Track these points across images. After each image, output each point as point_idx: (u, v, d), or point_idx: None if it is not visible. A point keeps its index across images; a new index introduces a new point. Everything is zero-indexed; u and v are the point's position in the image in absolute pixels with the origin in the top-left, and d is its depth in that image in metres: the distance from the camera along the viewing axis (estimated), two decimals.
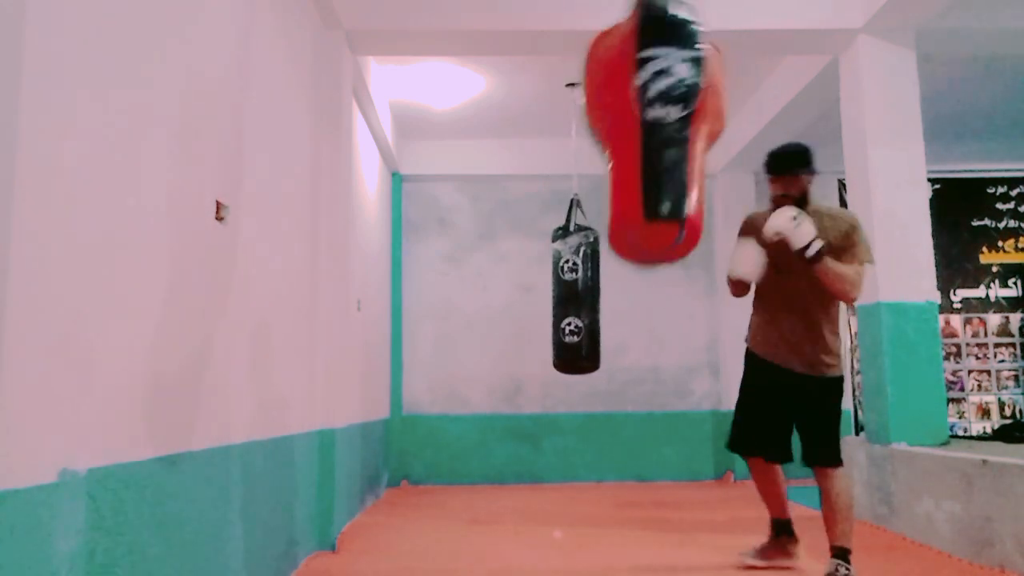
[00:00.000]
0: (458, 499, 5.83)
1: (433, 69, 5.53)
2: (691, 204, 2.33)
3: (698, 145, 2.39)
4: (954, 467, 3.53)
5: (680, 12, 2.40)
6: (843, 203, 6.90)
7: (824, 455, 3.05)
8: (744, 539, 4.03)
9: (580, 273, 5.25)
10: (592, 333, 5.24)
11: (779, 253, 2.98)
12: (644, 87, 2.27)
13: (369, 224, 5.73)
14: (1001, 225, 6.95)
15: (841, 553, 3.00)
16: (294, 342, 3.53)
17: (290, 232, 3.53)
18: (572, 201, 5.46)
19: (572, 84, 5.68)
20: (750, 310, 3.23)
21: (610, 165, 2.42)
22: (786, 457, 3.21)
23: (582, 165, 5.91)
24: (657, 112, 2.27)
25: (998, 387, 6.73)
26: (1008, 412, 6.68)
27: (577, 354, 5.25)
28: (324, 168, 4.13)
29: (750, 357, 3.26)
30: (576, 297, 5.24)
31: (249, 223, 2.83)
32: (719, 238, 7.12)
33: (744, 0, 4.46)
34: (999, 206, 6.97)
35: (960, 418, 6.66)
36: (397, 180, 7.02)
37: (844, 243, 3.00)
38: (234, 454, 2.58)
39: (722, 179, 7.14)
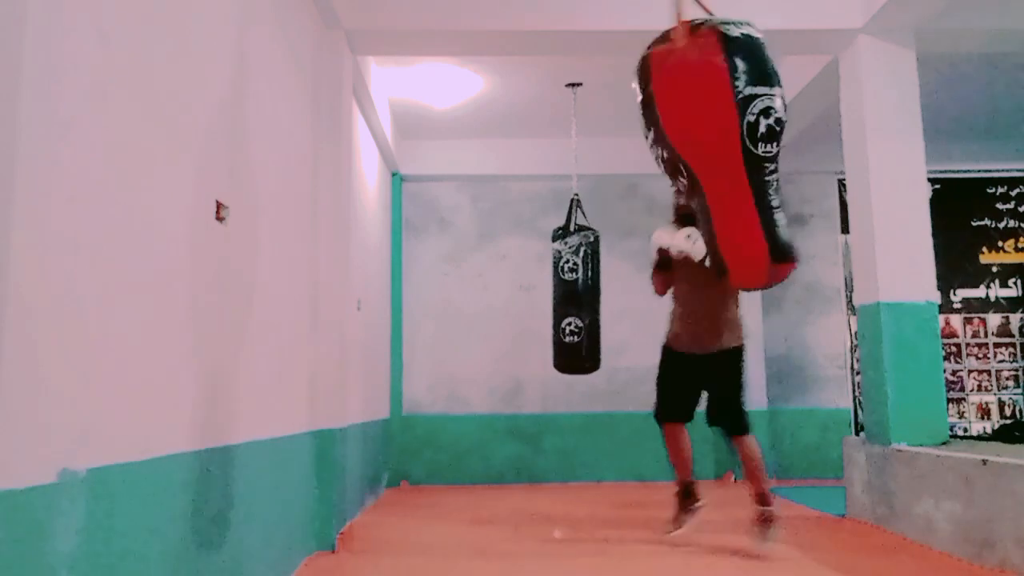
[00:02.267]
0: (458, 499, 5.83)
1: (433, 69, 5.53)
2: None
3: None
4: (954, 467, 3.53)
5: (761, 44, 2.52)
6: (843, 203, 6.91)
7: (732, 423, 3.72)
8: (744, 539, 4.03)
9: (580, 273, 5.25)
10: (592, 333, 5.24)
11: (684, 264, 3.75)
12: (754, 125, 2.39)
13: (369, 224, 5.73)
14: (1001, 225, 6.95)
15: (763, 499, 3.67)
16: (294, 342, 3.53)
17: (290, 232, 3.53)
18: (572, 201, 5.46)
19: (572, 84, 5.68)
20: (750, 309, 3.34)
21: (707, 201, 2.50)
22: (689, 416, 3.94)
23: (582, 165, 5.92)
24: (765, 147, 2.41)
25: (998, 387, 6.73)
26: (1008, 412, 6.68)
27: (577, 354, 5.25)
28: (324, 168, 4.12)
29: (664, 350, 4.08)
30: (576, 297, 5.24)
31: (249, 223, 2.83)
32: None
33: (745, 0, 4.46)
34: (999, 206, 6.97)
35: (960, 418, 6.66)
36: (397, 180, 7.01)
37: None
38: (234, 454, 2.58)
39: None
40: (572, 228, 5.26)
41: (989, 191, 6.97)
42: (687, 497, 3.96)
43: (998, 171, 7.00)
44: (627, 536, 4.21)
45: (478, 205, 7.21)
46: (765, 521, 3.60)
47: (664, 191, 7.37)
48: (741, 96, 2.38)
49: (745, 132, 2.38)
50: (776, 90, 2.44)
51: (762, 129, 2.39)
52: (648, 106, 2.53)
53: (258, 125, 3.00)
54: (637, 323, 7.02)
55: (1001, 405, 6.70)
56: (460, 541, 4.11)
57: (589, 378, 6.12)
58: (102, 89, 1.72)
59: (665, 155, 2.56)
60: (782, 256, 2.44)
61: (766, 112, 2.40)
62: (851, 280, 5.97)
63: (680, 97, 2.48)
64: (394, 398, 6.78)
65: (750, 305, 6.95)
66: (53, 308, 1.42)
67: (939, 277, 5.00)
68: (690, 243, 3.62)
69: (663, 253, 3.80)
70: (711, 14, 2.68)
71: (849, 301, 6.80)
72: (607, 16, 4.39)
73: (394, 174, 6.97)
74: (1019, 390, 6.71)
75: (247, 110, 2.87)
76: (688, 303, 3.88)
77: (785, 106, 2.48)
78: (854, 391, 6.88)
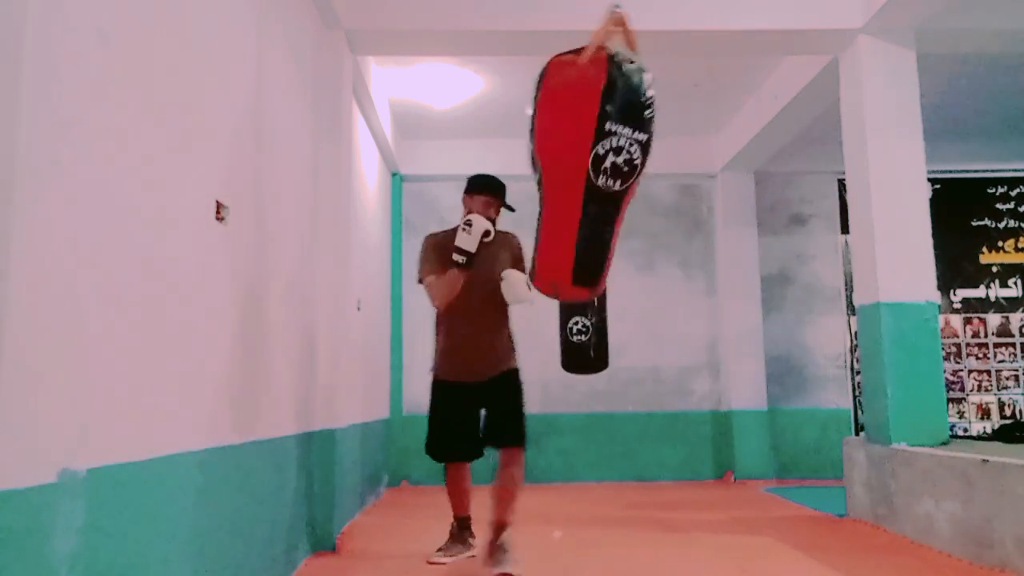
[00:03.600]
0: None
1: (433, 69, 5.53)
2: (606, 276, 2.78)
3: (622, 218, 2.74)
4: (954, 467, 3.53)
5: (645, 89, 2.65)
6: (843, 203, 6.91)
7: (513, 436, 3.37)
8: (744, 539, 4.03)
9: None
10: (600, 332, 5.23)
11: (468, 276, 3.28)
12: (600, 159, 2.56)
13: (369, 224, 5.73)
14: (1001, 225, 6.95)
15: (503, 528, 3.34)
16: (294, 342, 3.53)
17: (290, 232, 3.53)
18: None
19: None
20: (750, 309, 3.24)
21: (544, 208, 2.70)
22: (479, 453, 3.48)
23: None
24: (606, 182, 2.59)
25: (998, 387, 6.73)
26: (1008, 412, 6.68)
27: (585, 354, 5.25)
28: (324, 168, 4.13)
29: (436, 384, 3.52)
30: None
31: (249, 223, 2.83)
32: (719, 238, 7.13)
33: (744, 0, 4.47)
34: (999, 206, 6.97)
35: (960, 418, 6.66)
36: (397, 180, 7.01)
37: (519, 255, 3.51)
38: (234, 454, 2.58)
39: (722, 179, 7.14)
40: None
41: (989, 191, 6.97)
42: (462, 531, 3.66)
43: (998, 171, 7.00)
44: (627, 536, 4.21)
45: None
46: (501, 549, 3.29)
47: (665, 191, 7.39)
48: (602, 128, 2.56)
49: (590, 162, 2.57)
50: (639, 133, 2.61)
51: (606, 164, 2.58)
52: (534, 103, 2.73)
53: (258, 125, 3.00)
54: (638, 323, 7.02)
55: (1001, 405, 6.70)
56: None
57: (589, 378, 6.13)
58: (102, 89, 1.72)
59: (530, 150, 2.75)
60: (580, 282, 2.69)
61: (617, 151, 2.58)
62: (851, 280, 5.97)
63: (555, 105, 2.66)
64: (394, 398, 6.78)
65: (750, 305, 6.97)
66: (53, 308, 1.42)
67: (939, 277, 5.01)
68: (465, 234, 3.20)
69: (459, 252, 3.25)
70: (633, 50, 2.85)
71: (849, 301, 6.80)
72: (599, 16, 4.39)
73: (394, 174, 6.97)
74: (1019, 390, 6.72)
75: (247, 110, 2.87)
76: (464, 323, 3.42)
77: (646, 148, 2.64)
78: (854, 391, 6.88)
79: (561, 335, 5.40)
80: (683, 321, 7.12)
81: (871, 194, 4.38)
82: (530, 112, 2.76)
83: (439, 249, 3.41)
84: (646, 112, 2.64)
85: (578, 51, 2.74)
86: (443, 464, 3.54)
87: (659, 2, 4.40)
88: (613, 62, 2.63)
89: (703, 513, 5.00)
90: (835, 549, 3.73)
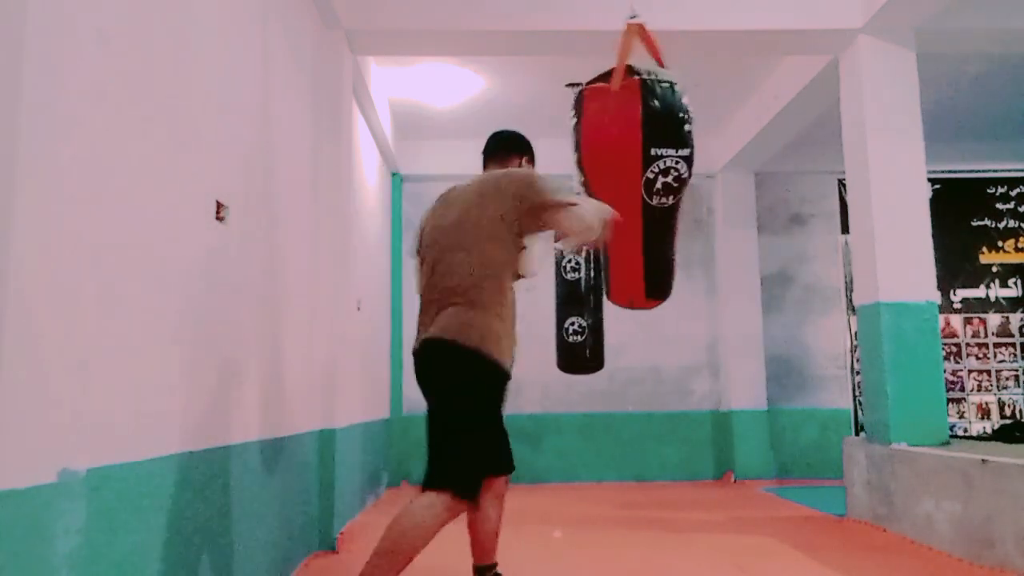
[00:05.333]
0: None
1: (433, 69, 5.53)
2: (673, 280, 3.03)
3: (678, 223, 3.06)
4: (954, 467, 3.53)
5: (680, 106, 2.92)
6: (843, 203, 6.91)
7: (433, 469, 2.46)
8: (744, 539, 4.03)
9: (582, 272, 5.26)
10: (596, 333, 5.24)
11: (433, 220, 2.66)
12: (651, 181, 2.87)
13: (369, 224, 5.73)
14: (1001, 225, 6.95)
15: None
16: (294, 342, 3.53)
17: (290, 232, 3.52)
18: None
19: (572, 84, 5.67)
20: (750, 309, 3.18)
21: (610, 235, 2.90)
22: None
23: None
24: (660, 201, 2.88)
25: (998, 387, 6.73)
26: (1008, 412, 6.68)
27: (581, 354, 5.26)
28: (324, 168, 4.13)
29: (501, 376, 2.46)
30: (579, 297, 5.24)
31: (249, 223, 2.83)
32: (720, 238, 7.13)
33: (744, 0, 4.47)
34: (999, 206, 6.97)
35: (960, 418, 6.66)
36: (397, 180, 7.01)
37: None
38: (234, 454, 2.58)
39: (722, 178, 7.14)
40: None
41: (989, 191, 6.97)
42: None
43: (998, 171, 7.00)
44: (627, 536, 4.21)
45: None
46: None
47: None
48: (648, 156, 2.84)
49: (644, 186, 2.87)
50: (682, 150, 2.89)
51: (658, 186, 2.87)
52: (576, 133, 3.06)
53: (258, 125, 3.00)
54: (638, 323, 7.02)
55: (1001, 405, 6.70)
56: (460, 541, 4.11)
57: (589, 378, 6.12)
58: (102, 89, 1.72)
59: (583, 180, 3.06)
60: (653, 295, 2.96)
61: (665, 172, 2.87)
62: (851, 280, 5.97)
63: (599, 142, 2.95)
64: (394, 398, 6.78)
65: (750, 305, 6.97)
66: (53, 308, 1.42)
67: (939, 277, 5.00)
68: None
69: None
70: (658, 58, 3.09)
71: (849, 301, 6.80)
72: (607, 16, 4.39)
73: (394, 174, 6.97)
74: (1019, 390, 6.71)
75: (247, 110, 2.87)
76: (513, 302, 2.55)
77: (690, 162, 2.93)
78: (854, 391, 6.88)
79: (557, 335, 5.40)
80: (683, 321, 7.12)
81: (871, 194, 4.38)
82: (573, 139, 3.06)
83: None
84: (685, 127, 2.89)
85: (607, 75, 2.96)
86: (474, 486, 2.45)
87: (659, 2, 4.40)
88: (646, 87, 2.90)
89: (703, 513, 5.00)
90: (835, 549, 3.73)
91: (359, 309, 5.03)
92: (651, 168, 2.82)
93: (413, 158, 7.00)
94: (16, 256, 1.32)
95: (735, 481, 6.74)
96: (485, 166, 2.85)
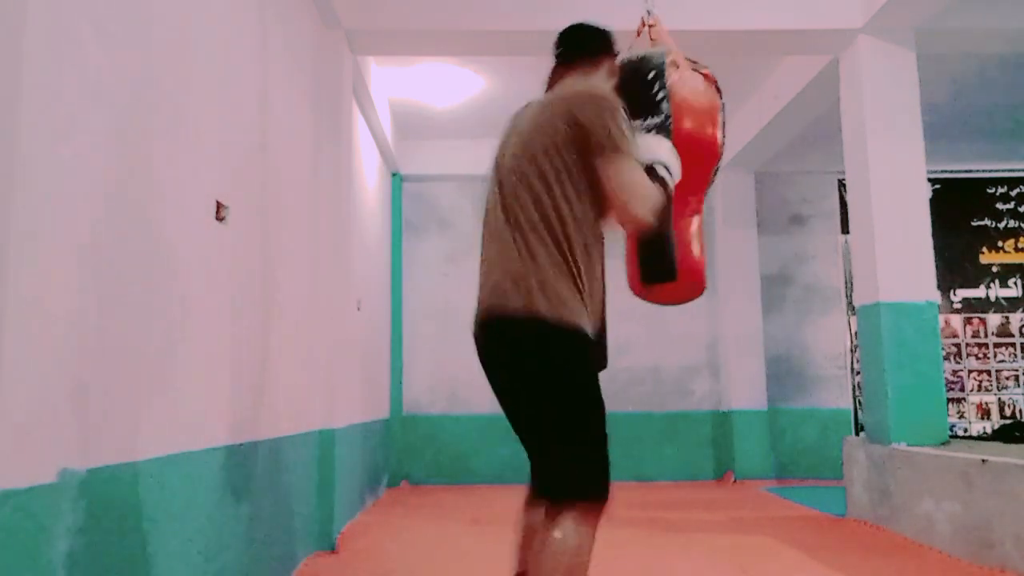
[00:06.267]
0: (458, 499, 5.83)
1: (433, 69, 5.53)
2: (676, 262, 2.70)
3: (698, 200, 2.86)
4: (954, 467, 3.53)
5: (647, 71, 2.69)
6: (843, 203, 6.91)
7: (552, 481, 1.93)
8: (744, 539, 4.03)
9: None
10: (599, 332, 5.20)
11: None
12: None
13: (369, 224, 5.73)
14: (1001, 225, 6.96)
15: None
16: (294, 342, 3.53)
17: (290, 232, 3.52)
18: None
19: None
20: (750, 309, 3.05)
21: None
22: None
23: None
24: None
25: (998, 387, 6.73)
26: (1008, 412, 6.68)
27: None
28: (324, 168, 4.12)
29: (587, 346, 1.91)
30: None
31: (250, 223, 2.83)
32: (719, 238, 7.13)
33: (744, 0, 4.47)
34: (999, 206, 6.97)
35: (960, 418, 6.66)
36: (397, 180, 7.01)
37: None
38: (234, 454, 2.58)
39: (722, 178, 7.13)
40: None
41: (989, 191, 6.97)
42: None
43: (998, 171, 7.00)
44: (627, 536, 4.21)
45: (478, 205, 7.20)
46: None
47: None
48: (721, 141, 2.72)
49: (714, 171, 2.77)
50: (651, 119, 2.61)
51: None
52: (665, 103, 2.54)
53: (258, 125, 3.00)
54: (638, 323, 7.02)
55: (1001, 405, 6.70)
56: (460, 541, 4.11)
57: None
58: (102, 89, 1.72)
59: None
60: (652, 278, 2.72)
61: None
62: (851, 280, 5.97)
63: (688, 127, 2.67)
64: (394, 398, 6.78)
65: (750, 305, 6.97)
66: (53, 308, 1.42)
67: (939, 277, 5.00)
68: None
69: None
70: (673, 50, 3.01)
71: (849, 301, 6.80)
72: (607, 16, 4.38)
73: (394, 174, 6.97)
74: (1019, 390, 6.72)
75: (247, 110, 2.87)
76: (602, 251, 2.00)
77: (666, 130, 2.66)
78: (854, 391, 6.88)
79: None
80: (683, 321, 7.12)
81: (871, 194, 4.38)
82: (658, 105, 2.84)
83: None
84: (653, 94, 2.55)
85: (667, 57, 2.84)
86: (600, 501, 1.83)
87: (659, 2, 4.39)
88: (620, 67, 2.73)
89: (703, 513, 5.00)
90: (835, 549, 3.73)
91: (359, 309, 5.03)
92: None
93: (413, 158, 7.00)
94: (16, 256, 1.32)
95: (735, 481, 6.74)
96: (553, 76, 2.22)
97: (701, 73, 2.83)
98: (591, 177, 1.84)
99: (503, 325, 1.83)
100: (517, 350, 1.84)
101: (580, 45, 2.22)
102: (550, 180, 1.84)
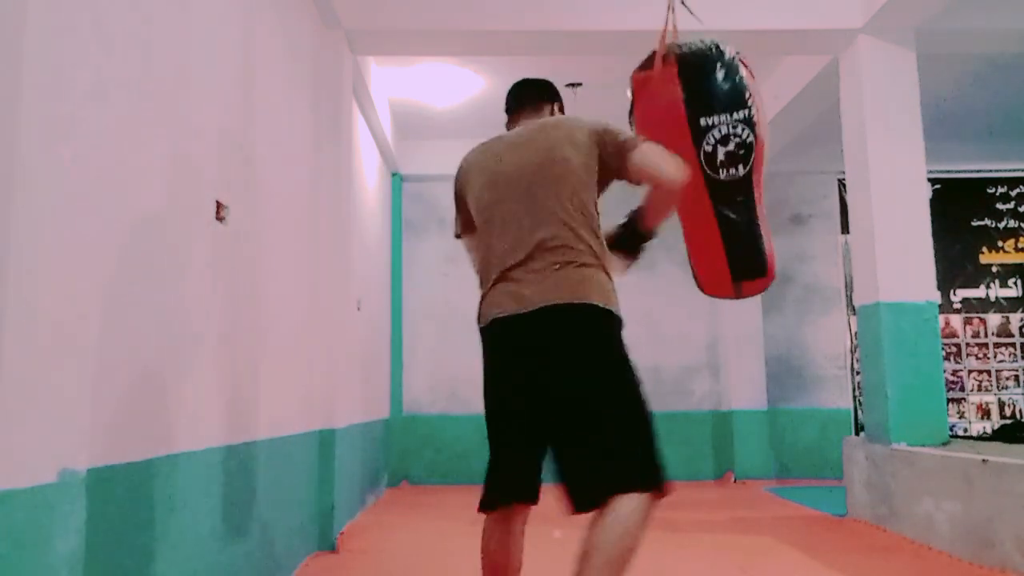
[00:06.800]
0: (458, 499, 5.83)
1: (433, 69, 5.53)
2: (771, 257, 2.63)
3: (759, 191, 2.65)
4: (954, 467, 3.53)
5: (726, 67, 2.64)
6: (843, 203, 6.90)
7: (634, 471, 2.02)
8: (744, 539, 4.03)
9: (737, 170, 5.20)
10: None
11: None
12: (711, 154, 2.54)
13: (369, 224, 5.73)
14: (1001, 225, 6.95)
15: None
16: (294, 342, 3.53)
17: (290, 232, 3.52)
18: None
19: (572, 84, 5.68)
20: (750, 309, 2.99)
21: (684, 228, 2.70)
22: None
23: None
24: (727, 173, 2.54)
25: (998, 387, 6.72)
26: (1008, 412, 6.68)
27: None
28: (324, 168, 4.12)
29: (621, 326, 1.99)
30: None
31: (250, 223, 2.83)
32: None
33: (744, 0, 4.47)
34: (999, 206, 6.96)
35: (960, 418, 6.66)
36: (397, 180, 7.01)
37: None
38: (234, 454, 2.58)
39: None
40: None
41: (989, 191, 6.97)
42: None
43: (998, 171, 6.99)
44: None
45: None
46: None
47: None
48: (697, 127, 2.54)
49: (703, 161, 2.53)
50: (738, 113, 2.57)
51: (721, 157, 2.54)
52: (632, 127, 2.70)
53: (258, 125, 3.00)
54: (638, 323, 7.01)
55: (1001, 405, 6.69)
56: (460, 541, 4.11)
57: None
58: (102, 89, 1.72)
59: None
60: (746, 276, 2.60)
61: (724, 140, 2.56)
62: (851, 280, 5.97)
63: (648, 129, 2.59)
64: (394, 398, 6.78)
65: (750, 305, 6.97)
66: (53, 308, 1.42)
67: (939, 277, 5.00)
68: None
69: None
70: (700, 20, 2.82)
71: (849, 301, 6.79)
72: (607, 16, 4.39)
73: (394, 174, 6.97)
74: (1019, 390, 6.71)
75: (247, 110, 2.87)
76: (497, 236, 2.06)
77: (752, 123, 2.58)
78: (854, 391, 6.87)
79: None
80: (683, 321, 7.12)
81: (871, 194, 4.38)
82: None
83: None
84: (737, 89, 2.61)
85: (646, 63, 2.76)
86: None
87: (658, 2, 4.39)
88: (681, 61, 2.60)
89: (703, 513, 5.00)
90: (835, 549, 3.73)
91: (359, 309, 5.03)
92: (705, 140, 2.52)
93: (413, 158, 7.00)
94: (16, 256, 1.32)
95: (735, 481, 6.74)
96: (515, 117, 2.35)
97: (743, 63, 2.77)
98: (600, 179, 2.03)
99: (571, 315, 1.87)
100: (589, 338, 1.89)
101: (540, 95, 2.36)
102: (584, 181, 1.99)
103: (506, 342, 1.97)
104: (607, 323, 1.91)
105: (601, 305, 1.89)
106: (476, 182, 2.14)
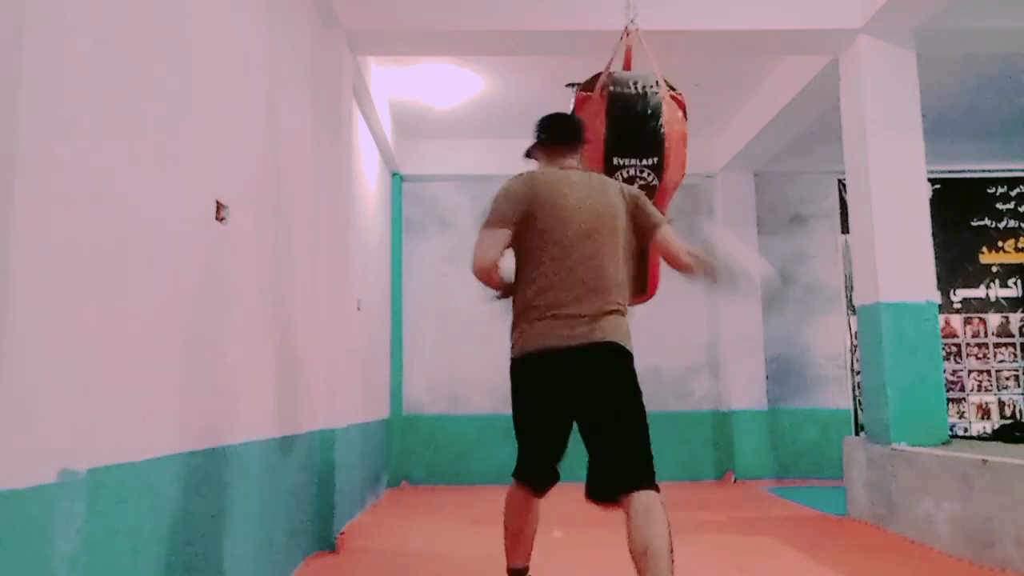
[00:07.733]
0: (458, 499, 5.83)
1: (433, 69, 5.53)
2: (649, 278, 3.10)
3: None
4: (954, 467, 3.53)
5: (646, 113, 2.94)
6: (843, 203, 6.91)
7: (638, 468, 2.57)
8: (744, 539, 4.03)
9: None
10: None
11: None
12: None
13: (369, 224, 5.73)
14: (1001, 225, 6.96)
15: None
16: (294, 342, 3.53)
17: (290, 232, 3.52)
18: None
19: (572, 84, 5.68)
20: (750, 309, 3.15)
21: None
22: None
23: None
24: None
25: (998, 387, 6.73)
26: (1008, 412, 6.68)
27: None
28: (324, 168, 4.12)
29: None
30: None
31: (249, 223, 2.83)
32: (719, 238, 7.12)
33: (744, 0, 4.47)
34: (999, 206, 6.97)
35: (960, 418, 6.66)
36: (397, 180, 7.01)
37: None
38: (234, 454, 2.58)
39: (722, 178, 7.14)
40: None
41: (989, 191, 6.97)
42: None
43: (998, 171, 7.00)
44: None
45: (478, 205, 7.20)
46: None
47: None
48: (609, 164, 2.90)
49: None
50: (648, 160, 2.92)
51: None
52: None
53: (258, 125, 3.00)
54: (638, 323, 6.99)
55: (1001, 405, 6.70)
56: (460, 541, 4.11)
57: None
58: (102, 89, 1.72)
59: None
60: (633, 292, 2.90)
61: (630, 181, 2.90)
62: (851, 280, 5.97)
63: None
64: (394, 398, 6.78)
65: (750, 305, 6.97)
66: (53, 308, 1.42)
67: (939, 277, 5.00)
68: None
69: None
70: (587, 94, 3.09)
71: (849, 301, 6.80)
72: (607, 16, 4.39)
73: (394, 174, 6.97)
74: (1019, 390, 6.72)
75: (247, 110, 2.87)
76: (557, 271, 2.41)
77: (660, 169, 2.96)
78: (854, 391, 6.88)
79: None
80: (683, 321, 7.12)
81: (871, 194, 4.38)
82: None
83: None
84: (653, 137, 2.89)
85: (589, 84, 2.99)
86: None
87: (659, 2, 4.40)
88: (611, 100, 2.90)
89: (703, 513, 5.00)
90: (835, 549, 3.73)
91: (359, 309, 5.03)
92: (614, 178, 2.80)
93: (413, 158, 7.00)
94: (16, 256, 1.32)
95: (735, 481, 6.74)
96: (559, 151, 2.54)
97: (676, 100, 3.05)
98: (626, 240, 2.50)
99: (610, 352, 2.39)
100: (622, 371, 2.42)
101: (580, 139, 2.62)
102: (621, 242, 2.45)
103: (554, 368, 2.39)
104: (629, 360, 2.46)
105: (627, 347, 2.44)
106: (546, 209, 2.41)
